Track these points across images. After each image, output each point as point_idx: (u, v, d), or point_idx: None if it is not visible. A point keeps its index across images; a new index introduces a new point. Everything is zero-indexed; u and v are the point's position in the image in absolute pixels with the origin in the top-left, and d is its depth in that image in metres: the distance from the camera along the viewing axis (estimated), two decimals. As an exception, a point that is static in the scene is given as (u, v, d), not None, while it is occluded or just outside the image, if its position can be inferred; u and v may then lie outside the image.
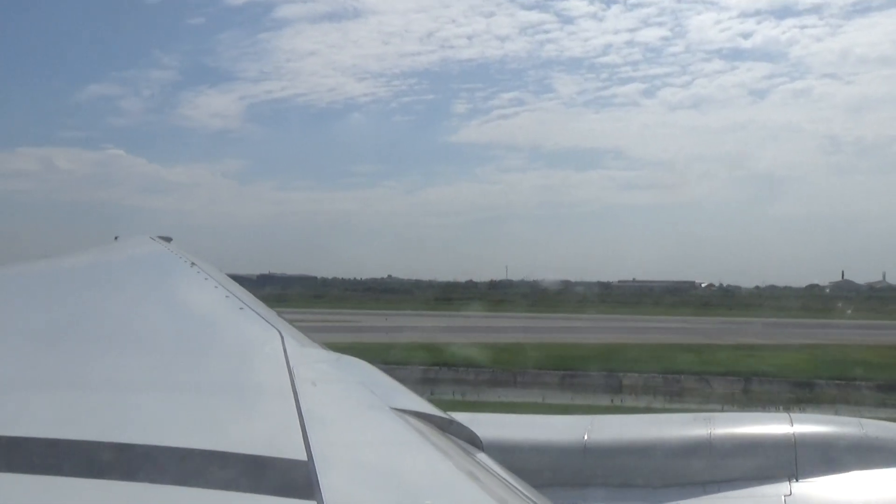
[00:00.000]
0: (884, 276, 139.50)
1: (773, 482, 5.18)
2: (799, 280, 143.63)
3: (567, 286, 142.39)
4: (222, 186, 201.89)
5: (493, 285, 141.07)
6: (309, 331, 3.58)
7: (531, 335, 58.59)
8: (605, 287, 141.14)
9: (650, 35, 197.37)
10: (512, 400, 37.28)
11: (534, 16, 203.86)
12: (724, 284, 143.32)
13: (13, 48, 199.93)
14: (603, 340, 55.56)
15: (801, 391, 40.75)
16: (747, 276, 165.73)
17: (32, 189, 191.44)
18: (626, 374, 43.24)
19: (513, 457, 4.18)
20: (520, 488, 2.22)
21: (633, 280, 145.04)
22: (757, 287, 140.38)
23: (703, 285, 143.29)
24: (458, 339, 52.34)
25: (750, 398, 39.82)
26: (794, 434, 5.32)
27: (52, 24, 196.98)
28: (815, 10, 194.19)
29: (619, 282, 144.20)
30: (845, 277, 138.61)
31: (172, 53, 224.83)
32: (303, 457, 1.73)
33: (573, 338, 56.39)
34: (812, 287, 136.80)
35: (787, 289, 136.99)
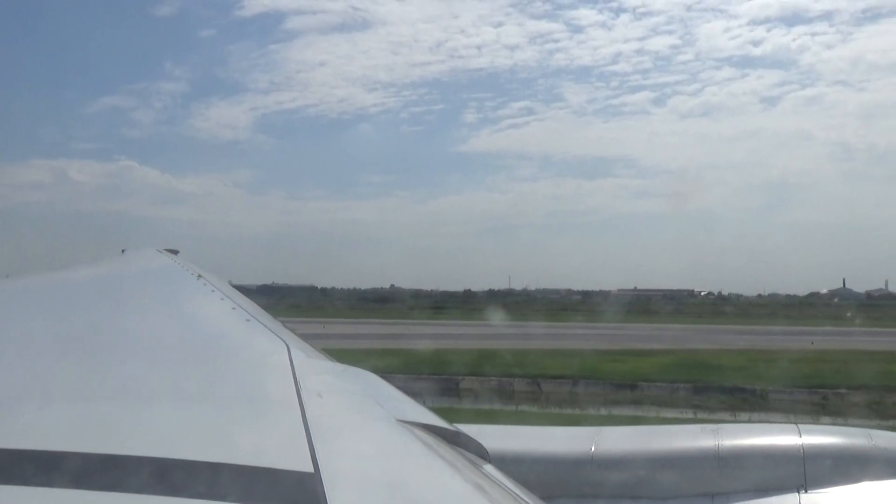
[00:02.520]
0: (886, 284, 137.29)
1: (781, 494, 5.16)
2: (805, 288, 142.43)
3: (565, 295, 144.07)
4: (233, 197, 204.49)
5: (492, 295, 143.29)
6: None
7: (434, 342, 61.04)
8: (604, 296, 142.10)
9: (660, 43, 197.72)
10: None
11: (543, 25, 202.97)
12: (726, 293, 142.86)
13: (26, 61, 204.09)
14: (494, 346, 57.40)
15: (600, 389, 43.07)
16: (755, 285, 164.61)
17: (46, 200, 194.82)
18: (463, 378, 45.85)
19: (520, 468, 4.31)
20: (527, 500, 2.23)
21: (635, 289, 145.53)
22: (759, 295, 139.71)
23: (702, 293, 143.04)
24: (354, 346, 55.37)
25: (540, 396, 42.37)
26: (802, 445, 5.29)
27: (65, 37, 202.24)
28: (826, 17, 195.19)
29: (619, 290, 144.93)
30: (846, 286, 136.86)
31: (184, 65, 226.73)
32: (309, 469, 1.73)
33: (469, 344, 58.14)
34: (812, 295, 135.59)
35: (788, 297, 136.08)
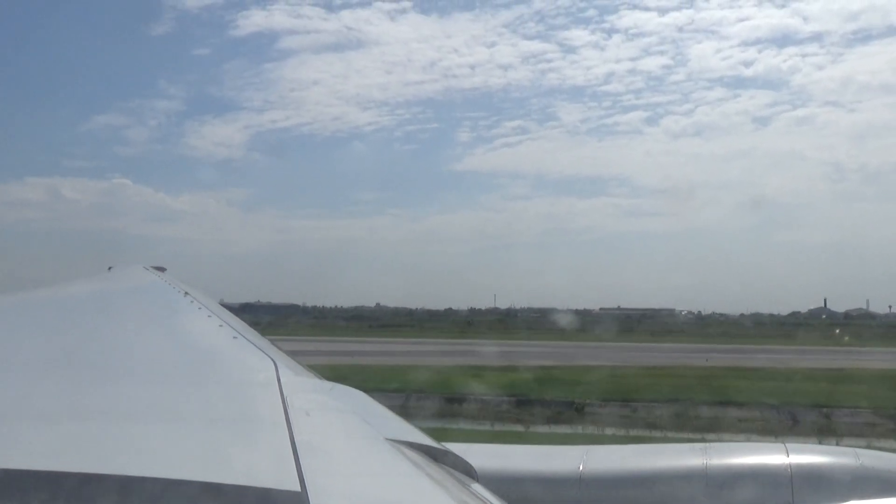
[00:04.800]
0: (867, 304, 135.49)
1: None
2: (791, 307, 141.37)
3: (544, 314, 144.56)
4: (227, 215, 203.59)
5: (473, 313, 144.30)
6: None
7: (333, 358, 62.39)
8: (585, 314, 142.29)
9: (652, 64, 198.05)
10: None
11: (536, 45, 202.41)
12: (709, 311, 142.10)
13: (20, 79, 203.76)
14: (370, 362, 58.22)
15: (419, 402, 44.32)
16: (745, 303, 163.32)
17: (39, 218, 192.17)
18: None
19: (507, 487, 4.33)
20: None
21: (619, 307, 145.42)
22: (742, 314, 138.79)
23: (682, 312, 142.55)
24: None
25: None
26: (789, 464, 5.31)
27: (59, 55, 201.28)
28: (816, 38, 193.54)
29: (601, 309, 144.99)
30: (828, 305, 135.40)
31: (178, 84, 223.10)
32: (296, 487, 1.72)
33: (346, 360, 59.01)
34: (793, 314, 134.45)
35: (770, 316, 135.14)
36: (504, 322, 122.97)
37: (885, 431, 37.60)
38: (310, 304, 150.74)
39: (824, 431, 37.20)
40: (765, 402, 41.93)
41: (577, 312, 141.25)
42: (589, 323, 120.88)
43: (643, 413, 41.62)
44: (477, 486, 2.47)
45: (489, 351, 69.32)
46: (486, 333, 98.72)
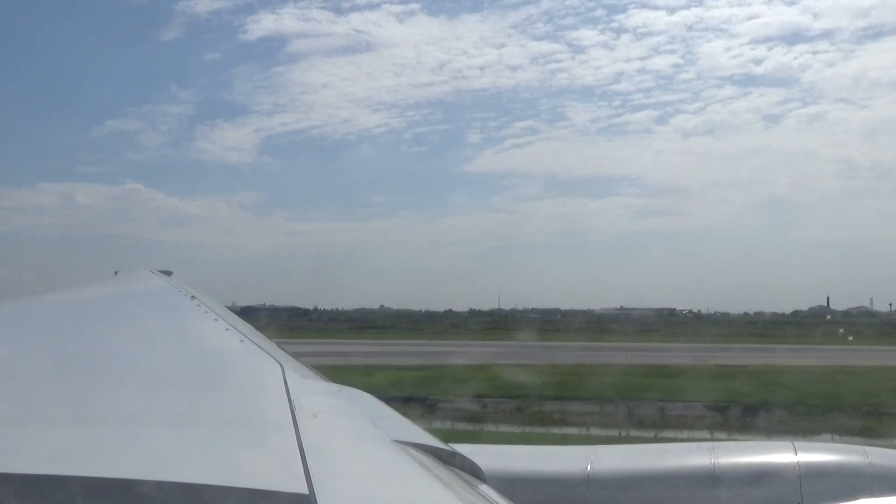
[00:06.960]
0: (871, 302, 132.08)
1: None
2: (796, 306, 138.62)
3: (544, 314, 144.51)
4: (238, 218, 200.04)
5: (473, 314, 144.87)
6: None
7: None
8: (585, 315, 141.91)
9: (661, 62, 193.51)
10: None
11: (545, 46, 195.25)
12: (713, 311, 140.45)
13: (32, 86, 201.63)
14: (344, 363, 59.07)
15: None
16: (749, 302, 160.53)
17: (53, 224, 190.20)
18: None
19: (515, 488, 4.41)
20: None
21: (621, 307, 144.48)
22: (745, 313, 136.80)
23: (683, 312, 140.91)
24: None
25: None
26: (798, 463, 5.31)
27: (71, 61, 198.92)
28: (826, 35, 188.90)
29: (602, 309, 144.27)
30: (830, 303, 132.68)
31: (188, 88, 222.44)
32: (304, 490, 1.73)
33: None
34: (795, 313, 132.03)
35: (772, 314, 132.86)
36: (496, 323, 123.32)
37: (706, 424, 37.66)
38: (317, 306, 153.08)
39: (635, 423, 37.45)
40: (620, 397, 42.14)
41: (576, 313, 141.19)
42: (580, 323, 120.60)
43: (490, 408, 42.00)
44: (484, 488, 2.50)
45: (421, 351, 69.97)
46: (463, 335, 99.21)
